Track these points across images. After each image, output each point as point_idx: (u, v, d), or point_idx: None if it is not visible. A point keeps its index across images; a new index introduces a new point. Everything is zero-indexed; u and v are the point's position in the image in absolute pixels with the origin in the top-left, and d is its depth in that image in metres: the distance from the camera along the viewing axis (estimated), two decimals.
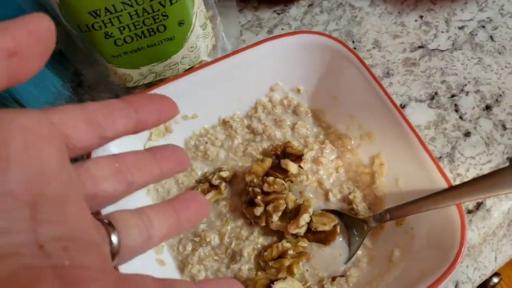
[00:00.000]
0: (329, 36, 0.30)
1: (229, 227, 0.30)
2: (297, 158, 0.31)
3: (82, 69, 0.36)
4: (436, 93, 0.35)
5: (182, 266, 0.29)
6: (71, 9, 0.28)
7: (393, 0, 0.39)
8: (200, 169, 0.32)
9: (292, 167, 0.30)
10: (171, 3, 0.29)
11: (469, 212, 0.31)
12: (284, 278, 0.27)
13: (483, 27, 0.37)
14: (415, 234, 0.27)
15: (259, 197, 0.29)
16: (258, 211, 0.29)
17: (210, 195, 0.31)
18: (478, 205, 0.31)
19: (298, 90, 0.33)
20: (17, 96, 0.32)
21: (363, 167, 0.31)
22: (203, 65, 0.31)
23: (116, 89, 0.35)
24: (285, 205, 0.29)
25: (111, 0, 0.28)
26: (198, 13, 0.31)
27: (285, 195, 0.30)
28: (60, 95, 0.36)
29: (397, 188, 0.29)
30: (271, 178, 0.30)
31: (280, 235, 0.30)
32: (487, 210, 0.31)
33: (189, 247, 0.30)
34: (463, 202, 0.25)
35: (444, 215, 0.26)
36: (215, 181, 0.31)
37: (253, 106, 0.33)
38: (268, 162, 0.31)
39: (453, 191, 0.26)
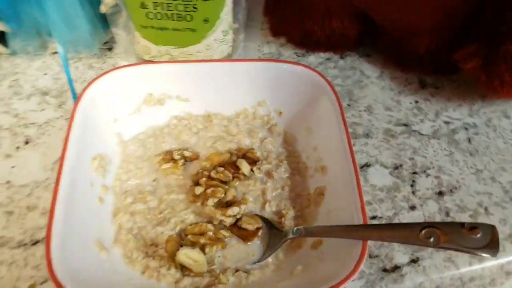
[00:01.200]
0: (313, 69, 0.34)
1: (170, 197, 0.33)
2: (253, 162, 0.34)
3: (116, 35, 0.41)
4: (401, 165, 0.38)
5: (116, 212, 0.32)
6: None
7: (399, 80, 0.43)
8: (169, 144, 0.36)
9: (245, 167, 0.34)
10: (204, 0, 0.35)
11: (384, 270, 0.32)
12: (193, 248, 0.30)
13: (466, 129, 0.40)
14: (324, 258, 0.29)
15: (203, 179, 0.33)
16: (198, 190, 0.32)
17: (168, 165, 0.34)
18: (395, 268, 0.32)
19: (280, 113, 0.37)
20: (51, 26, 0.38)
21: (307, 193, 0.34)
22: (211, 60, 0.36)
23: (136, 61, 0.41)
24: (223, 195, 0.32)
25: None
26: (224, 20, 0.37)
27: (227, 187, 0.33)
28: (88, 46, 0.41)
29: (327, 218, 0.31)
30: (221, 168, 0.33)
31: (210, 221, 0.33)
32: (401, 275, 0.32)
33: (129, 199, 0.33)
34: (370, 239, 0.27)
35: (351, 247, 0.28)
36: (176, 156, 0.34)
37: (237, 112, 0.37)
38: (226, 156, 0.34)
39: (363, 228, 0.28)
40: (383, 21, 0.41)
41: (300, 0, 0.41)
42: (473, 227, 0.27)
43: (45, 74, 0.42)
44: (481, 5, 0.38)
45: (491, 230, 0.27)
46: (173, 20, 0.36)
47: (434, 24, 0.39)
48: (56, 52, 0.43)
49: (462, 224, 0.27)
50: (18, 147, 0.37)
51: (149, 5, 0.35)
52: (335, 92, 0.34)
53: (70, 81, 0.40)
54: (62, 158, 0.29)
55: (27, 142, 0.37)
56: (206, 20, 0.36)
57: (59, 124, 0.38)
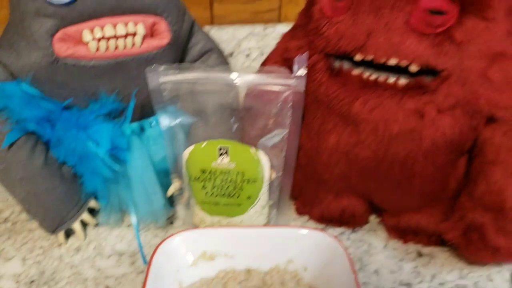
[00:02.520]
0: (333, 236, 0.46)
1: None
2: None
3: (177, 211, 0.55)
4: None
5: None
6: (190, 164, 0.49)
7: (400, 250, 0.54)
8: None
9: None
10: (248, 183, 0.49)
11: None
12: None
13: None
14: None
15: None
16: None
17: None
18: None
19: (305, 269, 0.47)
20: (131, 202, 0.52)
21: None
22: (251, 226, 0.48)
23: None
24: None
25: (215, 167, 0.48)
26: (262, 198, 0.50)
27: None
28: (156, 219, 0.54)
29: None
30: None
31: None
32: None
33: None
34: None
35: None
36: None
37: (271, 268, 0.47)
38: None
39: None
40: (382, 203, 0.54)
41: (317, 187, 0.54)
42: None
43: (121, 241, 0.54)
44: (458, 189, 0.51)
45: None
46: (224, 197, 0.50)
47: (422, 205, 0.52)
48: (130, 225, 0.56)
49: None
50: None
51: (208, 187, 0.49)
52: (349, 257, 0.44)
53: (140, 246, 0.52)
54: None
55: None
56: (249, 197, 0.50)
57: (131, 276, 0.49)
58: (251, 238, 0.47)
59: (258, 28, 0.92)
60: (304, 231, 0.47)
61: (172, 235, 0.46)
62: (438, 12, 0.42)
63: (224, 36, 0.91)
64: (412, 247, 0.54)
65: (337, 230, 0.56)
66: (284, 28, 0.94)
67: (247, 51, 0.91)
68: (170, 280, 0.45)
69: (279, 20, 0.96)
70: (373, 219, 0.58)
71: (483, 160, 0.47)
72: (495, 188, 0.46)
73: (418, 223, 0.53)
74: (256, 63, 0.92)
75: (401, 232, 0.54)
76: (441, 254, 0.53)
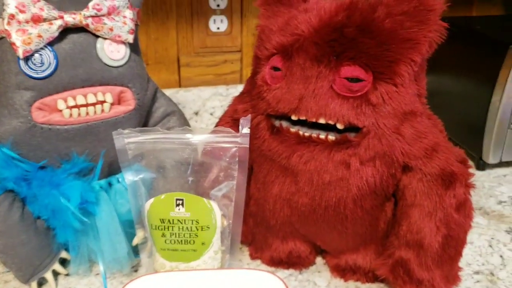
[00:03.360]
0: (279, 278, 0.51)
1: None
2: None
3: (141, 259, 0.60)
4: None
5: None
6: (151, 214, 0.55)
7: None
8: None
9: None
10: (202, 230, 0.55)
11: None
12: None
13: None
14: None
15: None
16: None
17: None
18: None
19: None
20: (99, 252, 0.57)
21: None
22: (205, 269, 0.55)
23: None
24: None
25: (173, 216, 0.55)
26: (215, 243, 0.57)
27: None
28: (121, 268, 0.60)
29: None
30: None
31: None
32: None
33: None
34: None
35: None
36: None
37: None
38: None
39: None
40: (323, 245, 0.61)
41: (266, 232, 0.61)
42: None
43: None
44: (388, 230, 0.58)
45: None
46: (181, 244, 0.56)
47: (357, 245, 0.59)
48: (98, 274, 0.61)
49: None
50: None
51: (167, 234, 0.56)
52: None
53: None
54: None
55: None
56: (203, 243, 0.56)
57: None
58: (205, 280, 0.53)
59: (221, 89, 1.01)
60: (253, 272, 0.53)
61: (132, 279, 0.51)
62: (356, 80, 0.50)
63: (191, 96, 1.00)
64: (352, 285, 0.61)
65: (286, 272, 0.63)
66: None
67: (211, 109, 1.00)
68: None
69: (240, 81, 1.05)
70: (319, 260, 0.64)
71: (404, 204, 0.54)
72: (414, 227, 0.53)
73: (355, 262, 0.60)
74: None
75: (342, 271, 0.61)
76: None
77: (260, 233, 0.62)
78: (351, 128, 0.52)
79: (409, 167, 0.53)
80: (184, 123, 0.65)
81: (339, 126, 0.52)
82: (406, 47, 0.50)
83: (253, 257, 0.64)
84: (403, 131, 0.52)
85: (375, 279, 0.60)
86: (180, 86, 1.05)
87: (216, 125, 0.62)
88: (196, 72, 1.05)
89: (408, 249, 0.54)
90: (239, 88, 1.03)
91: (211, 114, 1.00)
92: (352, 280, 0.61)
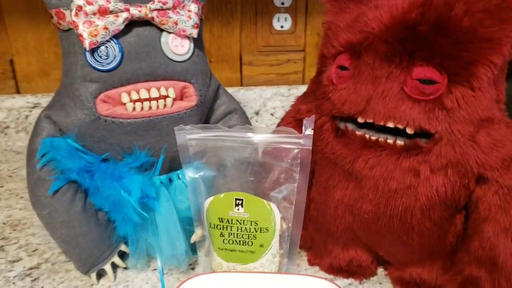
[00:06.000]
0: (338, 286, 0.50)
1: None
2: None
3: (199, 257, 0.60)
4: None
5: None
6: (210, 212, 0.54)
7: None
8: None
9: None
10: (261, 232, 0.54)
11: None
12: None
13: None
14: None
15: None
16: None
17: None
18: None
19: None
20: (158, 247, 0.57)
21: None
22: (263, 272, 0.53)
23: None
24: None
25: (232, 216, 0.54)
26: (273, 246, 0.55)
27: None
28: (179, 265, 0.59)
29: None
30: None
31: None
32: None
33: None
34: None
35: None
36: None
37: None
38: None
39: None
40: (385, 255, 0.57)
41: (326, 238, 0.59)
42: None
43: (147, 283, 0.59)
44: (457, 244, 0.54)
45: None
46: (239, 244, 0.55)
47: (423, 258, 0.56)
48: (155, 269, 0.61)
49: None
50: None
51: (226, 234, 0.55)
52: None
53: None
54: None
55: None
56: (261, 245, 0.55)
57: None
58: (262, 283, 0.52)
59: (283, 89, 1.00)
60: (312, 279, 0.51)
61: (190, 277, 0.51)
62: (429, 82, 0.47)
63: (252, 95, 0.99)
64: None
65: (346, 281, 0.60)
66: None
67: (272, 110, 0.98)
68: None
69: (303, 81, 1.04)
70: (380, 271, 0.61)
71: (476, 217, 0.50)
72: (487, 244, 0.49)
73: (420, 276, 0.56)
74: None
75: (405, 285, 0.57)
76: None
77: (320, 238, 0.60)
78: (422, 133, 0.49)
79: (484, 178, 0.49)
80: (245, 121, 0.64)
81: (409, 130, 0.49)
82: (486, 47, 0.46)
83: (311, 263, 0.62)
84: (479, 138, 0.48)
85: None
86: (241, 84, 1.04)
87: (278, 125, 0.61)
88: (258, 71, 1.04)
89: (480, 267, 0.50)
90: (301, 88, 1.01)
91: (272, 114, 0.99)
92: None
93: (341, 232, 0.56)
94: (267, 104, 0.98)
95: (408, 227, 0.52)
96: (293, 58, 1.03)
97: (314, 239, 0.61)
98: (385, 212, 0.52)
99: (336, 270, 0.60)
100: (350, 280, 0.60)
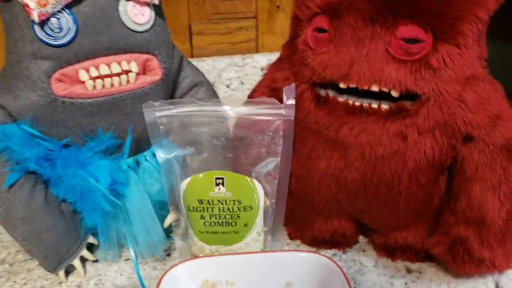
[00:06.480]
0: (328, 257, 0.47)
1: None
2: None
3: (175, 243, 0.56)
4: None
5: None
6: (188, 195, 0.50)
7: (390, 267, 0.56)
8: None
9: None
10: (245, 211, 0.51)
11: None
12: None
13: None
14: None
15: None
16: None
17: None
18: None
19: None
20: (130, 237, 0.53)
21: None
22: (249, 252, 0.50)
23: None
24: None
25: (213, 197, 0.50)
26: (258, 224, 0.52)
27: None
28: (153, 252, 0.55)
29: None
30: None
31: None
32: None
33: None
34: None
35: None
36: None
37: None
38: None
39: None
40: (370, 223, 0.56)
41: (308, 211, 0.56)
42: None
43: (121, 275, 0.55)
44: (441, 206, 0.53)
45: None
46: (222, 226, 0.51)
47: (408, 223, 0.55)
48: (128, 259, 0.57)
49: None
50: None
51: (206, 216, 0.51)
52: (345, 275, 0.46)
53: (140, 279, 0.53)
54: None
55: None
56: (246, 225, 0.52)
57: None
58: (250, 264, 0.49)
59: (237, 59, 0.96)
60: (303, 254, 0.49)
61: (174, 265, 0.47)
62: (414, 41, 0.45)
63: (205, 67, 0.94)
64: (401, 264, 0.57)
65: (328, 252, 0.58)
66: (262, 57, 0.98)
67: (227, 81, 0.94)
68: None
69: (256, 50, 0.99)
70: (361, 239, 0.60)
71: (463, 177, 0.50)
72: (475, 203, 0.49)
73: (405, 240, 0.55)
74: (236, 93, 0.95)
75: (390, 250, 0.57)
76: (428, 269, 0.56)
77: (301, 212, 0.57)
78: (407, 96, 0.47)
79: (471, 137, 0.48)
80: (213, 94, 0.60)
81: (394, 93, 0.47)
82: (471, 1, 0.45)
83: (292, 237, 0.60)
84: (465, 97, 0.47)
85: (426, 258, 0.56)
86: (192, 56, 0.98)
87: (251, 96, 0.57)
88: (209, 40, 0.98)
89: (468, 226, 0.50)
90: (256, 57, 0.97)
91: (227, 86, 0.94)
92: (401, 259, 0.56)
93: (325, 204, 0.54)
94: (221, 75, 0.94)
95: (396, 193, 0.50)
96: (244, 26, 0.98)
97: (294, 213, 0.58)
98: (372, 180, 0.50)
99: (319, 242, 0.58)
100: (334, 250, 0.59)
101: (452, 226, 0.51)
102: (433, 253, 0.53)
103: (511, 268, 0.53)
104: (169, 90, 0.55)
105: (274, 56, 0.61)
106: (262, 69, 0.93)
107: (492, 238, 0.49)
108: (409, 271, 0.56)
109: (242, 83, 0.92)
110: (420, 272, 0.56)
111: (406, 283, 0.54)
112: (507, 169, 0.48)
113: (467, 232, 0.50)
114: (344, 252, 0.59)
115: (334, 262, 0.47)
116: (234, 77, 0.96)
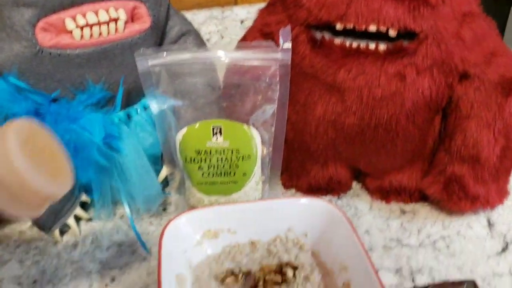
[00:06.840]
0: (328, 202, 0.48)
1: None
2: (293, 268, 0.45)
3: (172, 195, 0.55)
4: (400, 269, 0.49)
5: None
6: (185, 146, 0.49)
7: (385, 210, 0.57)
8: (228, 265, 0.47)
9: (290, 272, 0.45)
10: (243, 160, 0.50)
11: None
12: None
13: (444, 239, 0.53)
14: None
15: (260, 283, 0.44)
16: None
17: (231, 279, 0.45)
18: None
19: (306, 235, 0.49)
20: (125, 193, 0.51)
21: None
22: (249, 201, 0.50)
23: None
24: None
25: (210, 147, 0.49)
26: (256, 173, 0.51)
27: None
28: (148, 208, 0.54)
29: None
30: (272, 274, 0.44)
31: None
32: None
33: None
34: None
35: None
36: (236, 271, 0.45)
37: (273, 238, 0.49)
38: (273, 265, 0.46)
39: None
40: (366, 167, 0.56)
41: (304, 158, 0.56)
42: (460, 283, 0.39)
43: (117, 232, 0.54)
44: (434, 146, 0.54)
45: (473, 284, 0.38)
46: (221, 176, 0.51)
47: (403, 164, 0.55)
48: (122, 216, 0.55)
49: (452, 283, 0.39)
50: (106, 285, 0.47)
51: (204, 167, 0.50)
52: (348, 219, 0.46)
53: (138, 234, 0.52)
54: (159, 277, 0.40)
55: (113, 280, 0.48)
56: (244, 174, 0.51)
57: (135, 265, 0.49)
58: (251, 212, 0.49)
59: (216, 12, 0.93)
60: (303, 200, 0.49)
61: (176, 216, 0.46)
62: None
63: None
64: (395, 206, 0.58)
65: (325, 198, 0.58)
66: (241, 9, 0.95)
67: (207, 35, 0.91)
68: (180, 261, 0.45)
69: (235, 2, 0.97)
70: (355, 185, 0.61)
71: (458, 116, 0.50)
72: (471, 140, 0.49)
73: (400, 182, 0.56)
74: (217, 47, 0.93)
75: (384, 193, 0.57)
76: (422, 209, 0.57)
77: (296, 159, 0.57)
78: (404, 35, 0.46)
79: (467, 75, 0.48)
80: (201, 43, 0.58)
81: (392, 33, 0.46)
82: None
83: (286, 186, 0.59)
84: (463, 34, 0.47)
85: (420, 199, 0.57)
86: None
87: (242, 41, 0.55)
88: None
89: (463, 164, 0.50)
90: (236, 10, 0.94)
91: (207, 40, 0.92)
92: (395, 201, 0.57)
93: (321, 150, 0.54)
94: (201, 29, 0.91)
95: (393, 135, 0.50)
96: None
97: (289, 162, 0.58)
98: (370, 123, 0.50)
99: (315, 189, 0.58)
100: (329, 197, 0.59)
101: (447, 165, 0.51)
102: (428, 193, 0.54)
103: (503, 203, 0.54)
104: (158, 39, 0.53)
105: (254, 8, 0.59)
106: (242, 21, 0.91)
107: (487, 174, 0.50)
108: (403, 212, 0.57)
109: (222, 37, 0.90)
110: (414, 213, 0.57)
111: (401, 224, 0.55)
112: (502, 106, 0.48)
113: (462, 169, 0.51)
114: (338, 198, 0.59)
115: (336, 206, 0.47)
116: (214, 31, 0.93)
